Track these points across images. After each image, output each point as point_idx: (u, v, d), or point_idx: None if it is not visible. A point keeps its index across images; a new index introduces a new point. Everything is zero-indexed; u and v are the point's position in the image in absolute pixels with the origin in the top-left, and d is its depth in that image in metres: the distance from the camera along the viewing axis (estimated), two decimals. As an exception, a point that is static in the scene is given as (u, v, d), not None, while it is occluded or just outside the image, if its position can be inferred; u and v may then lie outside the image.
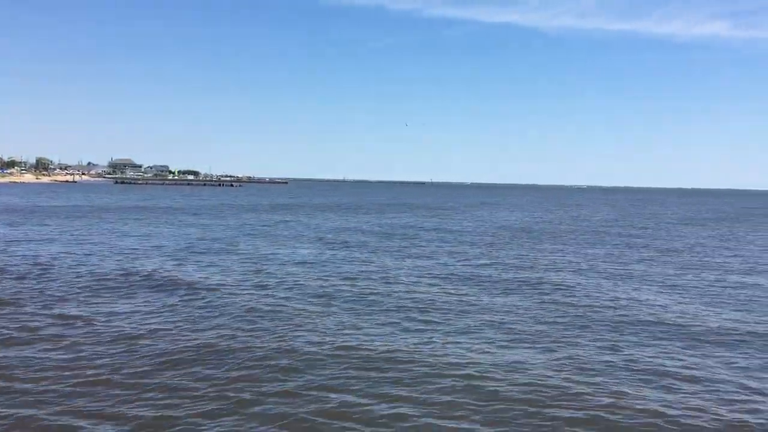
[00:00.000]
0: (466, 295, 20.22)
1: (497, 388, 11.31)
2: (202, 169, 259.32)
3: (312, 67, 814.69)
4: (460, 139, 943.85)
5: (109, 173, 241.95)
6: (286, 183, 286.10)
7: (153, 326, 15.23)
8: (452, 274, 24.89)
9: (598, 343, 14.55)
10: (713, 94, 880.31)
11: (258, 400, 10.60)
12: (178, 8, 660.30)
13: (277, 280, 22.22)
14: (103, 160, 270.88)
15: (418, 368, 12.32)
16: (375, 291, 20.50)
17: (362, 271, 25.06)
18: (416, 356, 13.06)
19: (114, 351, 13.19)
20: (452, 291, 20.90)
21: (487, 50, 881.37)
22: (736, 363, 13.38)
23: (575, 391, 11.26)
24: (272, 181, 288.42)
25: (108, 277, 22.10)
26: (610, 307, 18.81)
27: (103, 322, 15.61)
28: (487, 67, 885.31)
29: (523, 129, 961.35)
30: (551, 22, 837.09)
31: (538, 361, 13.02)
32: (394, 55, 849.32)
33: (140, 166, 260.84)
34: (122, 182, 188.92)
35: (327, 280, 22.82)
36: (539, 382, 11.66)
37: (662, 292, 21.59)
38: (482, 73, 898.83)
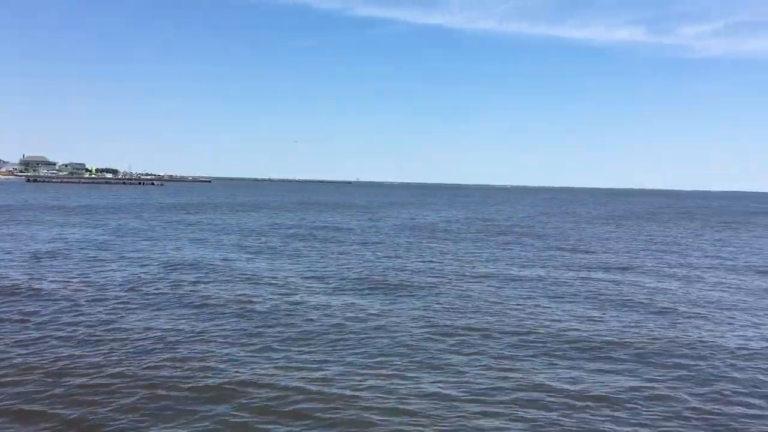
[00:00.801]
0: (373, 304, 19.63)
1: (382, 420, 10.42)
2: (122, 168, 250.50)
3: (235, 65, 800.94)
4: (386, 139, 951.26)
5: (21, 171, 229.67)
6: (209, 182, 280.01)
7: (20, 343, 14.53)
8: (364, 278, 24.77)
9: (509, 361, 13.76)
10: (630, 96, 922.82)
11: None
12: (99, 3, 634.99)
13: (184, 291, 20.56)
14: (14, 158, 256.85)
15: (331, 403, 11.07)
16: (282, 308, 18.39)
17: (273, 280, 23.83)
18: (322, 388, 11.72)
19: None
20: (361, 302, 19.90)
21: (412, 50, 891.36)
22: (639, 376, 12.94)
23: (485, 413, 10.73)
24: (195, 180, 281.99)
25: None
26: (518, 317, 18.06)
27: None
28: (411, 67, 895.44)
29: (448, 129, 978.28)
30: (474, 25, 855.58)
31: (438, 387, 12.01)
32: (319, 55, 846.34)
33: (54, 164, 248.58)
34: (35, 180, 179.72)
35: (233, 287, 22.46)
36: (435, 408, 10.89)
37: (572, 301, 20.95)
38: (406, 72, 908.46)
